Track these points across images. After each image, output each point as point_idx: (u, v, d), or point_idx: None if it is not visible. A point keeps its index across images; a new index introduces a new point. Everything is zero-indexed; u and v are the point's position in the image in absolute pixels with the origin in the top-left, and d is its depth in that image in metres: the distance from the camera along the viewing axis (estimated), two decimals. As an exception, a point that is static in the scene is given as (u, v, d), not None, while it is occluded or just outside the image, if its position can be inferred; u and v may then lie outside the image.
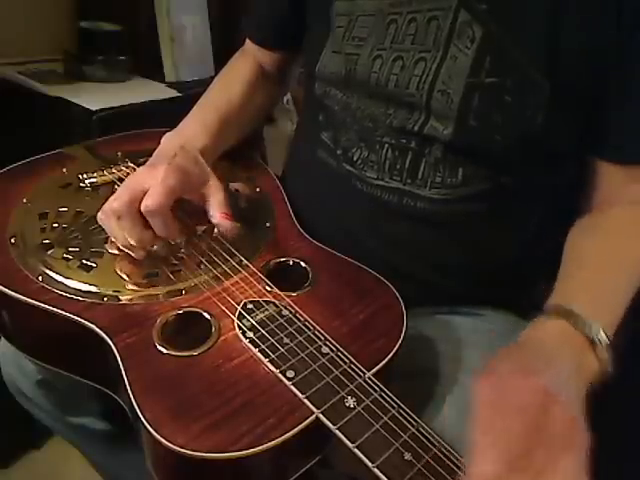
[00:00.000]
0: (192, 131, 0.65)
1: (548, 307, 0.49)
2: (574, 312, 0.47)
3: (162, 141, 0.63)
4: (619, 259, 0.55)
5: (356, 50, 0.59)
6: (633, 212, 0.58)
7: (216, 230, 0.61)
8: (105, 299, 0.51)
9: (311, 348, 0.47)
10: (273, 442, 0.40)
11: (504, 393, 0.40)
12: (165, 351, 0.46)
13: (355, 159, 0.63)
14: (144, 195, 0.53)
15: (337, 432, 0.41)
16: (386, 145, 0.60)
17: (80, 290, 0.52)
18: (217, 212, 0.56)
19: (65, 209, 0.61)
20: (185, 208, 0.59)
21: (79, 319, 0.49)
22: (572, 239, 0.59)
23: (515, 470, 0.36)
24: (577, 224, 0.60)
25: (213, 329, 0.49)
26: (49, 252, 0.55)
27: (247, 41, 0.78)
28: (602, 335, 0.46)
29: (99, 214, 0.54)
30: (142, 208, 0.52)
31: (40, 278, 0.52)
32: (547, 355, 0.44)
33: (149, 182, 0.53)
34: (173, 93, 1.17)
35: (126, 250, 0.55)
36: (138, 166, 0.68)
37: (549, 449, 0.38)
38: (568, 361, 0.44)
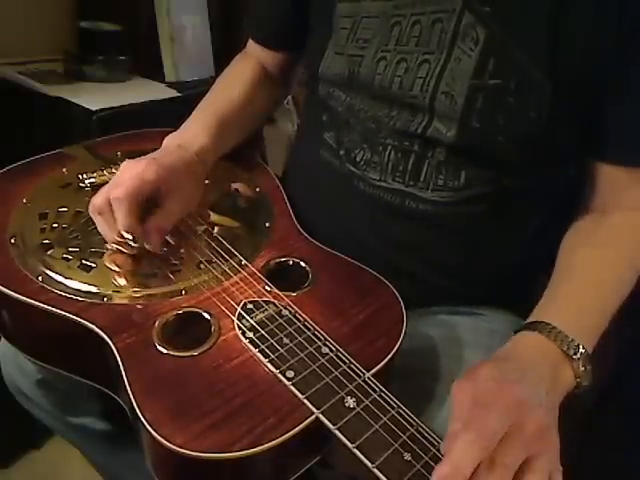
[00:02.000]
0: (192, 131, 0.66)
1: (529, 321, 0.52)
2: (553, 327, 0.49)
3: (164, 141, 0.64)
4: (609, 273, 0.56)
5: (360, 52, 0.59)
6: (631, 220, 0.58)
7: (216, 230, 0.61)
8: (105, 299, 0.51)
9: (311, 348, 0.47)
10: (273, 442, 0.40)
11: (482, 394, 0.42)
12: (165, 351, 0.47)
13: (358, 160, 0.63)
14: None
15: (337, 432, 0.41)
16: (389, 147, 0.60)
17: (80, 290, 0.52)
18: (149, 222, 0.54)
19: (65, 209, 0.61)
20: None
21: (79, 319, 0.49)
22: (566, 245, 0.59)
23: (490, 463, 0.38)
24: (573, 228, 0.61)
25: (213, 329, 0.49)
26: (49, 252, 0.55)
27: (250, 42, 0.78)
28: (580, 350, 0.49)
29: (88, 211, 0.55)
30: (110, 197, 0.52)
31: (40, 278, 0.52)
32: (523, 367, 0.46)
33: (128, 175, 0.54)
34: (173, 93, 1.17)
35: (115, 246, 0.55)
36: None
37: (523, 449, 0.39)
38: (543, 373, 0.46)
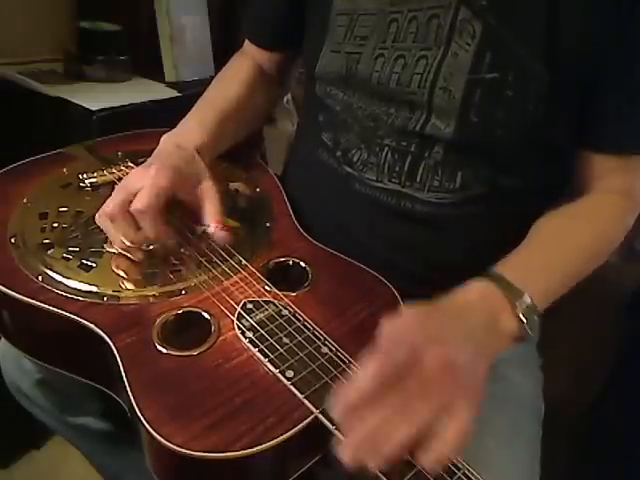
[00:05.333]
0: (189, 130, 0.65)
1: (483, 273, 0.52)
2: (501, 276, 0.51)
3: (160, 141, 0.64)
4: (573, 239, 0.58)
5: (358, 49, 0.60)
6: (603, 199, 0.60)
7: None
8: (105, 299, 0.51)
9: (310, 348, 0.47)
10: (273, 442, 0.40)
11: (398, 331, 0.43)
12: (165, 351, 0.47)
13: (355, 160, 0.63)
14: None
15: (336, 432, 0.41)
16: (386, 147, 0.60)
17: (80, 290, 0.52)
18: (212, 222, 0.56)
19: (65, 209, 0.61)
20: (184, 208, 0.59)
21: (79, 319, 0.49)
22: (537, 221, 0.60)
23: (387, 391, 0.40)
24: (552, 207, 0.62)
25: (213, 329, 0.49)
26: (49, 252, 0.55)
27: (246, 42, 0.78)
28: (525, 299, 0.49)
29: (96, 217, 0.55)
30: (131, 209, 0.53)
31: (40, 278, 0.52)
32: (455, 312, 0.47)
33: (141, 183, 0.54)
34: (173, 93, 1.17)
35: (124, 252, 0.55)
36: (138, 166, 0.68)
37: (419, 382, 0.40)
38: (478, 316, 0.48)
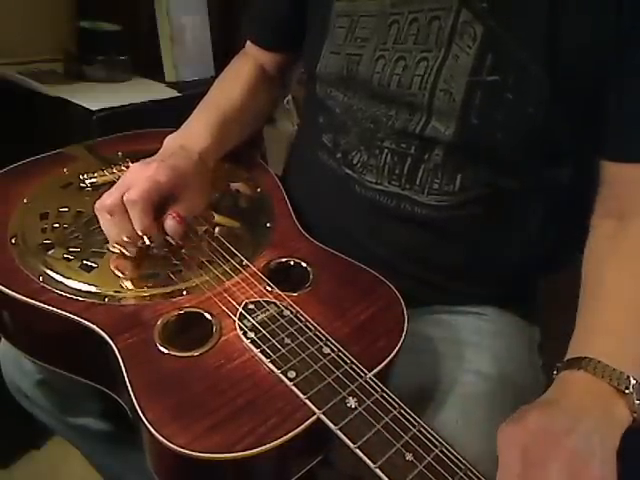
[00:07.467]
0: (194, 132, 0.65)
1: (571, 357, 0.48)
2: (598, 362, 0.46)
3: (164, 141, 0.64)
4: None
5: (358, 50, 0.60)
6: None
7: (217, 230, 0.61)
8: (106, 299, 0.51)
9: (312, 348, 0.47)
10: (275, 442, 0.40)
11: (533, 447, 0.40)
12: (166, 351, 0.46)
13: (355, 162, 0.63)
14: None
15: (338, 433, 0.41)
16: (386, 150, 0.60)
17: (80, 290, 0.52)
18: (170, 210, 0.55)
19: (66, 209, 0.61)
20: None
21: (79, 319, 0.49)
22: (591, 264, 0.55)
23: None
24: (595, 244, 0.56)
25: (214, 329, 0.49)
26: (50, 252, 0.55)
27: (248, 42, 0.78)
28: (631, 382, 0.45)
29: (95, 209, 0.55)
30: (124, 199, 0.52)
31: (40, 278, 0.52)
32: (574, 414, 0.43)
33: (141, 178, 0.54)
34: (173, 93, 1.17)
35: (119, 247, 0.55)
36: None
37: None
38: (596, 416, 0.43)
